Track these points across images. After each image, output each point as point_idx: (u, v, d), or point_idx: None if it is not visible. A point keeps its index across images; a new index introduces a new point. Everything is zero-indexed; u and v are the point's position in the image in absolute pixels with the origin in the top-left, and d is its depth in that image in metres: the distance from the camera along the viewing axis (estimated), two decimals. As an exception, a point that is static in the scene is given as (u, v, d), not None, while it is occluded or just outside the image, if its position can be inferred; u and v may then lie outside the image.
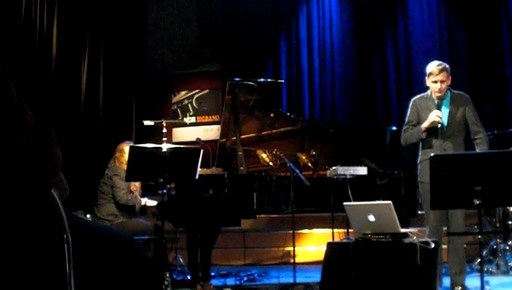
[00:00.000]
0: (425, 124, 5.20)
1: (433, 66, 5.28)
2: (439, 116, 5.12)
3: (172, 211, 5.54)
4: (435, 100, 5.27)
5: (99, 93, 9.40)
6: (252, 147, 6.82)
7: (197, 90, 11.51)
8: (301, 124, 6.97)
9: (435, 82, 5.23)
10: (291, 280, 5.99)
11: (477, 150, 5.19)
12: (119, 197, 6.09)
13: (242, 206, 5.59)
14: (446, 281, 5.31)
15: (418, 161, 5.41)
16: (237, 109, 6.18)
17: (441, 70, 5.21)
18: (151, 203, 6.24)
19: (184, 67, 11.62)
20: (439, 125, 5.16)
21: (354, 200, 5.59)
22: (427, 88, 5.44)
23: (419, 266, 4.18)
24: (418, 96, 5.48)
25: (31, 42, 8.02)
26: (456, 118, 5.26)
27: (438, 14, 10.23)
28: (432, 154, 4.44)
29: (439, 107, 5.22)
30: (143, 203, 6.24)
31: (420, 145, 5.42)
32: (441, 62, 5.35)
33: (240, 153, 6.06)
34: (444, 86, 5.22)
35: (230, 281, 6.31)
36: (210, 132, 10.91)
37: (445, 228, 5.34)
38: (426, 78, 5.34)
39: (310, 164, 6.87)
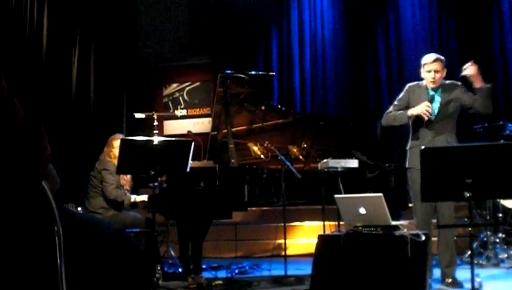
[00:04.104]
0: (413, 112, 5.21)
1: (427, 56, 5.31)
2: (428, 110, 5.11)
3: (163, 203, 5.53)
4: (428, 91, 5.27)
5: (90, 85, 9.37)
6: (243, 139, 6.81)
7: (188, 83, 11.50)
8: (292, 116, 6.96)
9: (429, 71, 5.23)
10: (282, 273, 6.02)
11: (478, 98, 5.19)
12: (108, 192, 6.08)
13: (233, 198, 5.58)
14: (436, 273, 5.34)
15: (408, 147, 5.43)
16: (228, 102, 6.17)
17: (435, 60, 5.23)
18: (140, 198, 6.23)
19: (175, 60, 11.60)
20: (427, 118, 5.15)
21: (345, 193, 5.60)
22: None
23: (409, 258, 4.20)
24: (414, 83, 5.46)
25: (21, 33, 7.97)
26: (447, 108, 5.26)
27: (428, 5, 10.23)
28: (423, 147, 4.46)
29: (432, 99, 5.22)
30: (132, 200, 6.22)
31: (410, 135, 5.44)
32: (436, 54, 5.37)
33: (231, 145, 6.06)
34: (437, 76, 5.22)
35: (222, 274, 6.31)
36: (201, 125, 10.89)
37: (435, 220, 5.37)
38: (421, 69, 5.34)
39: (301, 157, 6.87)
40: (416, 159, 5.18)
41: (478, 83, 5.14)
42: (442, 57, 5.33)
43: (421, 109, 5.14)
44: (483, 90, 5.14)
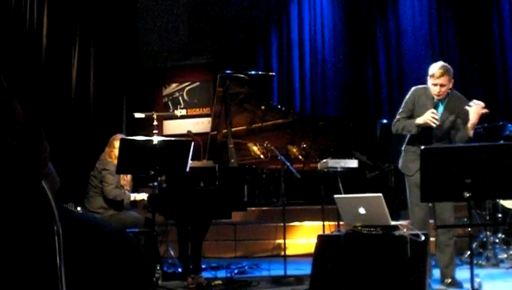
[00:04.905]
0: (419, 121, 5.08)
1: (435, 68, 5.12)
2: (435, 117, 4.99)
3: (163, 203, 5.53)
4: (433, 98, 5.14)
5: (90, 85, 9.36)
6: (242, 139, 6.82)
7: (188, 83, 11.50)
8: (292, 116, 6.97)
9: (435, 85, 5.08)
10: (282, 273, 6.01)
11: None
12: (106, 191, 6.07)
13: (233, 198, 5.58)
14: (436, 274, 5.33)
15: (401, 155, 5.39)
16: (228, 102, 6.17)
17: (442, 74, 5.05)
18: (140, 197, 6.23)
19: (175, 60, 11.59)
20: (434, 125, 5.02)
21: (345, 193, 5.60)
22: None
23: (409, 259, 4.19)
24: (420, 87, 5.31)
25: (21, 33, 7.96)
26: (449, 121, 5.17)
27: (428, 7, 10.23)
28: (422, 147, 4.44)
29: (435, 107, 5.10)
30: (132, 198, 6.22)
31: (406, 140, 5.38)
32: (444, 64, 5.16)
33: (231, 145, 6.06)
34: (443, 89, 5.08)
35: (221, 274, 6.31)
36: (201, 125, 10.89)
37: (432, 221, 5.36)
38: (428, 77, 5.17)
39: (300, 157, 6.87)
40: (410, 163, 5.18)
41: (471, 127, 5.06)
42: (450, 70, 5.13)
43: (427, 116, 5.02)
44: (466, 137, 5.11)
